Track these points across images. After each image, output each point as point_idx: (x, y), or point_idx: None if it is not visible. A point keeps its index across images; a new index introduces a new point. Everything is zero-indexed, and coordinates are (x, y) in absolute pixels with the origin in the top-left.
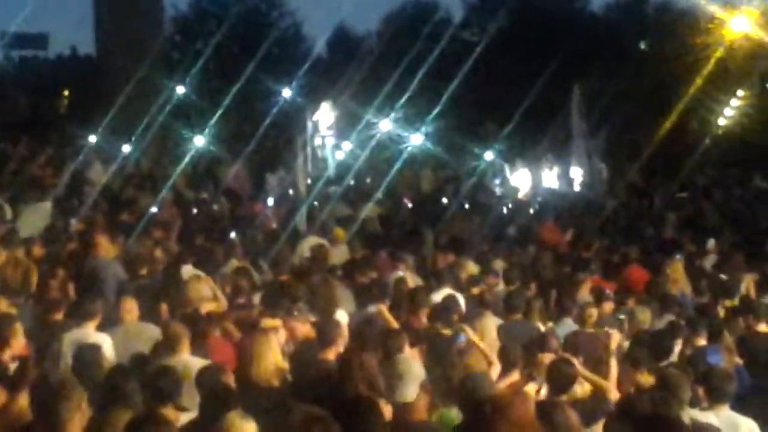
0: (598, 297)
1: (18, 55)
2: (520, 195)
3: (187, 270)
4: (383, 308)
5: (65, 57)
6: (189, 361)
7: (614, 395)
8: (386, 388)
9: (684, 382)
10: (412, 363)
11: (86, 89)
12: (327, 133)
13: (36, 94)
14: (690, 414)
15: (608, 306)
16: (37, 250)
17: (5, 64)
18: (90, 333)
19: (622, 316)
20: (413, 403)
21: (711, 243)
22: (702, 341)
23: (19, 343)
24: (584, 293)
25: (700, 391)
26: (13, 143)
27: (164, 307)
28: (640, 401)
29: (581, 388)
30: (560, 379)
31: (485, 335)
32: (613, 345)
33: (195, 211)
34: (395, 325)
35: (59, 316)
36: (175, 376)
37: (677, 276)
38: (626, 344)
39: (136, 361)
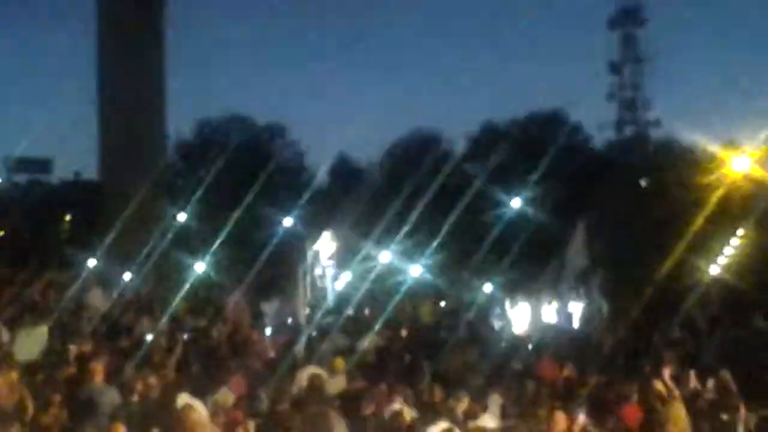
0: None
1: (22, 180)
2: (520, 329)
3: (183, 398)
4: None
5: (68, 182)
6: None
7: None
8: None
9: None
10: None
11: (88, 214)
12: (327, 263)
13: (38, 218)
14: None
15: None
16: (35, 375)
17: (9, 187)
18: None
19: None
20: None
21: (710, 383)
22: None
23: None
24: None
25: None
26: (14, 267)
27: None
28: None
29: None
30: None
31: None
32: None
33: (193, 337)
34: None
35: None
36: None
37: (676, 416)
38: None
39: None
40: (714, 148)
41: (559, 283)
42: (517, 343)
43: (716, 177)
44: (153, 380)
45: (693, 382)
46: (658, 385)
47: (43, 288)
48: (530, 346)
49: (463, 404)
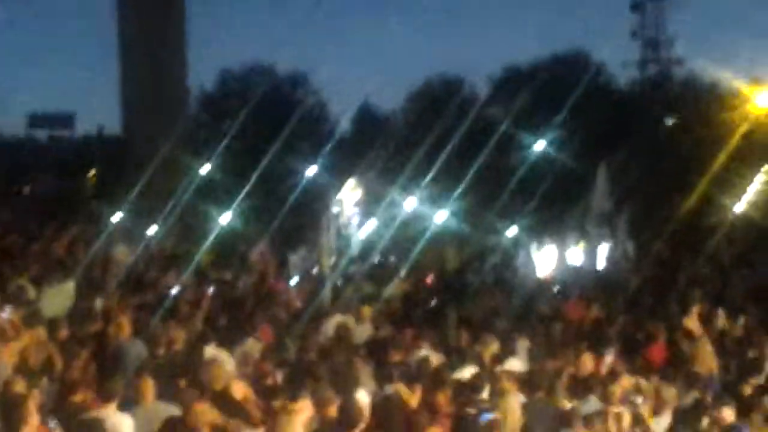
0: (614, 374)
1: (45, 135)
2: (546, 272)
3: (210, 350)
4: (402, 387)
5: (92, 137)
6: None
7: None
8: None
9: None
10: None
11: (113, 169)
12: (352, 211)
13: (62, 174)
14: None
15: (627, 381)
16: (62, 331)
17: (32, 143)
18: (111, 414)
19: (639, 398)
20: None
21: (741, 320)
22: (729, 419)
23: (32, 425)
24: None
25: None
26: (39, 223)
27: (183, 385)
28: None
29: None
30: None
31: (509, 414)
32: (625, 423)
33: (218, 290)
34: (415, 404)
35: (81, 397)
36: None
37: (703, 353)
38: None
39: None
40: (737, 84)
41: (585, 224)
42: (543, 285)
43: (740, 113)
44: (180, 333)
45: (721, 320)
46: (686, 324)
47: (68, 244)
48: (556, 289)
49: (490, 348)
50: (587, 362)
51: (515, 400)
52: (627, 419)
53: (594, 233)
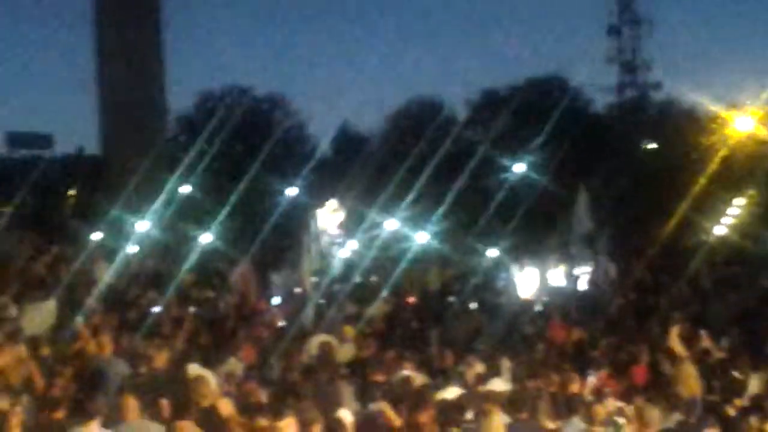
0: (598, 395)
1: (25, 155)
2: (527, 294)
3: (193, 368)
4: (386, 406)
5: (71, 156)
6: None
7: None
8: None
9: None
10: None
11: (92, 188)
12: (333, 232)
13: (42, 194)
14: None
15: (611, 404)
16: (43, 349)
17: (11, 162)
18: (94, 429)
19: (621, 420)
20: None
21: (723, 342)
22: None
23: None
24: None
25: None
26: (19, 242)
27: (165, 404)
28: None
29: None
30: None
31: None
32: None
33: (200, 309)
34: (398, 423)
35: (60, 414)
36: None
37: (686, 375)
38: None
39: None
40: (716, 108)
41: (566, 246)
42: (525, 307)
43: (719, 137)
44: (162, 352)
45: (705, 341)
46: (669, 343)
47: (50, 262)
48: (538, 310)
49: (473, 369)
50: (571, 383)
51: (498, 421)
52: None
53: (576, 254)
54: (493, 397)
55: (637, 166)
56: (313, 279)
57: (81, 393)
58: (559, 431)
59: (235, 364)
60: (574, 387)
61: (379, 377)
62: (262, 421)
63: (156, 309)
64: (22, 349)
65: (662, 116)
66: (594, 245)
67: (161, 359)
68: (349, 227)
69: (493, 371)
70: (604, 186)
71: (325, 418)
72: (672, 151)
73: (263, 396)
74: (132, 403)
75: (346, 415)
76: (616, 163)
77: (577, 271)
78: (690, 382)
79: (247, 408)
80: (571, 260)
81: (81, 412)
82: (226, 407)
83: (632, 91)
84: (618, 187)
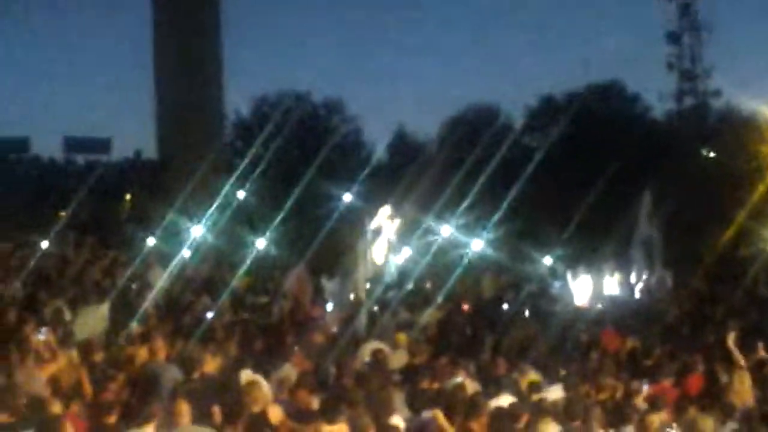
0: (654, 405)
1: (83, 159)
2: (581, 301)
3: (246, 374)
4: (439, 414)
5: (129, 161)
6: None
7: None
8: None
9: None
10: None
11: (149, 193)
12: (387, 238)
13: (99, 198)
14: None
15: (665, 414)
16: (95, 354)
17: (70, 167)
18: None
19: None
20: None
21: None
22: None
23: None
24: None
25: None
26: (76, 246)
27: (216, 410)
28: None
29: None
30: None
31: None
32: None
33: (254, 315)
34: (450, 431)
35: (112, 419)
36: None
37: (741, 384)
38: None
39: None
40: None
41: (622, 254)
42: (579, 314)
43: None
44: (214, 358)
45: (761, 351)
46: (725, 354)
47: (106, 267)
48: (592, 318)
49: (526, 377)
50: (624, 392)
51: (551, 430)
52: None
53: (637, 260)
54: (545, 406)
55: (695, 174)
56: (367, 285)
57: (134, 398)
58: None
59: (288, 370)
60: (628, 396)
61: (432, 384)
62: (310, 429)
63: (210, 315)
64: (73, 354)
65: (722, 124)
66: (651, 253)
67: (214, 365)
68: (404, 233)
69: (546, 380)
70: (662, 194)
71: (377, 424)
72: (731, 159)
73: (315, 403)
74: (185, 408)
75: (398, 422)
76: (674, 170)
77: (633, 278)
78: (744, 391)
79: (298, 414)
80: (627, 267)
81: (134, 416)
82: (276, 413)
83: (691, 98)
84: (676, 194)
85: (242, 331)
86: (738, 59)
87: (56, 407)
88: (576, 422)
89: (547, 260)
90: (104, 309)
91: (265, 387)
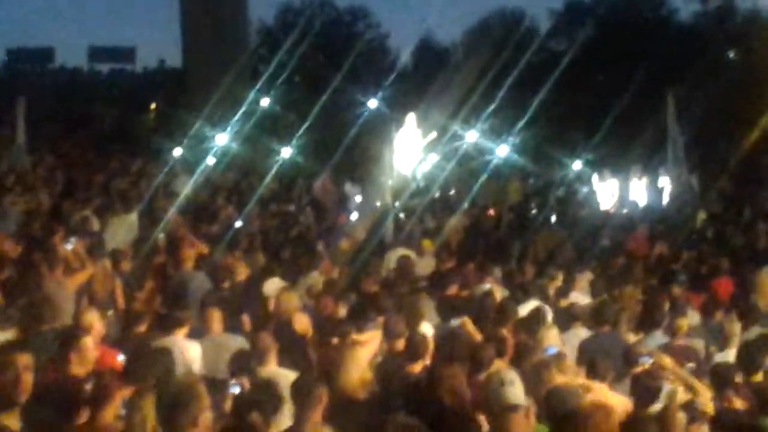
0: (681, 309)
1: (107, 69)
2: (608, 206)
3: (274, 282)
4: (468, 321)
5: (153, 70)
6: (277, 372)
7: (706, 402)
8: (494, 398)
9: None
10: (514, 371)
11: (174, 102)
12: (413, 145)
13: (124, 107)
14: None
15: (693, 317)
16: (125, 263)
17: (94, 76)
18: (178, 341)
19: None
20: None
21: None
22: None
23: (88, 358)
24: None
25: None
26: (102, 156)
27: (246, 319)
28: (735, 413)
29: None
30: (645, 391)
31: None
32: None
33: (281, 223)
34: (479, 337)
35: (143, 328)
36: (271, 388)
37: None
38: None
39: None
40: None
41: (650, 157)
42: (606, 219)
43: None
44: (243, 266)
45: None
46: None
47: (133, 176)
48: (619, 223)
49: (554, 282)
50: (653, 296)
51: (581, 334)
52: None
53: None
54: (574, 311)
55: (722, 76)
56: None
57: (164, 306)
58: (640, 344)
59: (316, 278)
60: (656, 301)
61: (460, 291)
62: (338, 339)
63: (237, 223)
64: (107, 263)
65: (748, 25)
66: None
67: (243, 273)
68: (430, 140)
69: (574, 284)
70: (689, 97)
71: (408, 331)
72: (757, 60)
73: (342, 311)
74: (216, 317)
75: (427, 329)
76: (700, 73)
77: (661, 182)
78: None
79: (323, 323)
80: (654, 171)
81: (164, 325)
82: (302, 322)
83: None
84: (702, 98)
85: (269, 239)
86: None
87: (91, 316)
88: (605, 327)
89: (576, 165)
90: (133, 218)
91: (294, 295)
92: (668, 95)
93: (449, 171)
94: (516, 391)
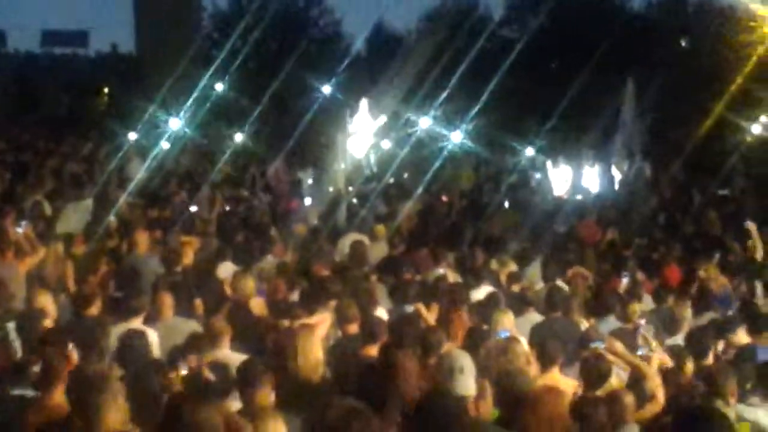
0: (633, 295)
1: (59, 53)
2: (560, 192)
3: (227, 266)
4: (420, 306)
5: (106, 54)
6: (229, 356)
7: (654, 383)
8: (444, 382)
9: (730, 378)
10: (467, 355)
11: (126, 86)
12: (366, 131)
13: (76, 92)
14: (736, 409)
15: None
16: (78, 247)
17: (46, 61)
18: (137, 327)
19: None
20: (484, 395)
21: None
22: (743, 338)
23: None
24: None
25: (749, 387)
26: (54, 140)
27: (198, 303)
28: (684, 396)
29: (617, 381)
30: (594, 374)
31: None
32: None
33: (234, 207)
34: (432, 322)
35: (95, 310)
36: (222, 370)
37: (713, 276)
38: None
39: (173, 355)
40: (754, 5)
41: (603, 144)
42: (558, 206)
43: (757, 35)
44: (195, 250)
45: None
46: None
47: (85, 161)
48: (571, 209)
49: (506, 268)
50: (605, 282)
51: (533, 319)
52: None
53: (617, 150)
54: (526, 297)
55: (673, 65)
56: (346, 178)
57: (119, 290)
58: (593, 329)
59: (270, 262)
60: (608, 287)
61: (413, 276)
62: (286, 322)
63: (191, 208)
64: (59, 248)
65: (699, 14)
66: (631, 144)
67: (195, 257)
68: (383, 126)
69: (525, 270)
70: (642, 84)
71: (362, 315)
72: (709, 50)
73: (294, 295)
74: (167, 301)
75: (380, 313)
76: (653, 61)
77: (613, 170)
78: (720, 279)
79: (275, 306)
80: (607, 158)
81: (120, 310)
82: (259, 306)
83: None
84: (656, 85)
85: (223, 223)
86: None
87: (43, 299)
88: (557, 313)
89: (529, 151)
90: (88, 203)
91: (251, 279)
92: (628, 78)
93: (402, 157)
94: (466, 380)
